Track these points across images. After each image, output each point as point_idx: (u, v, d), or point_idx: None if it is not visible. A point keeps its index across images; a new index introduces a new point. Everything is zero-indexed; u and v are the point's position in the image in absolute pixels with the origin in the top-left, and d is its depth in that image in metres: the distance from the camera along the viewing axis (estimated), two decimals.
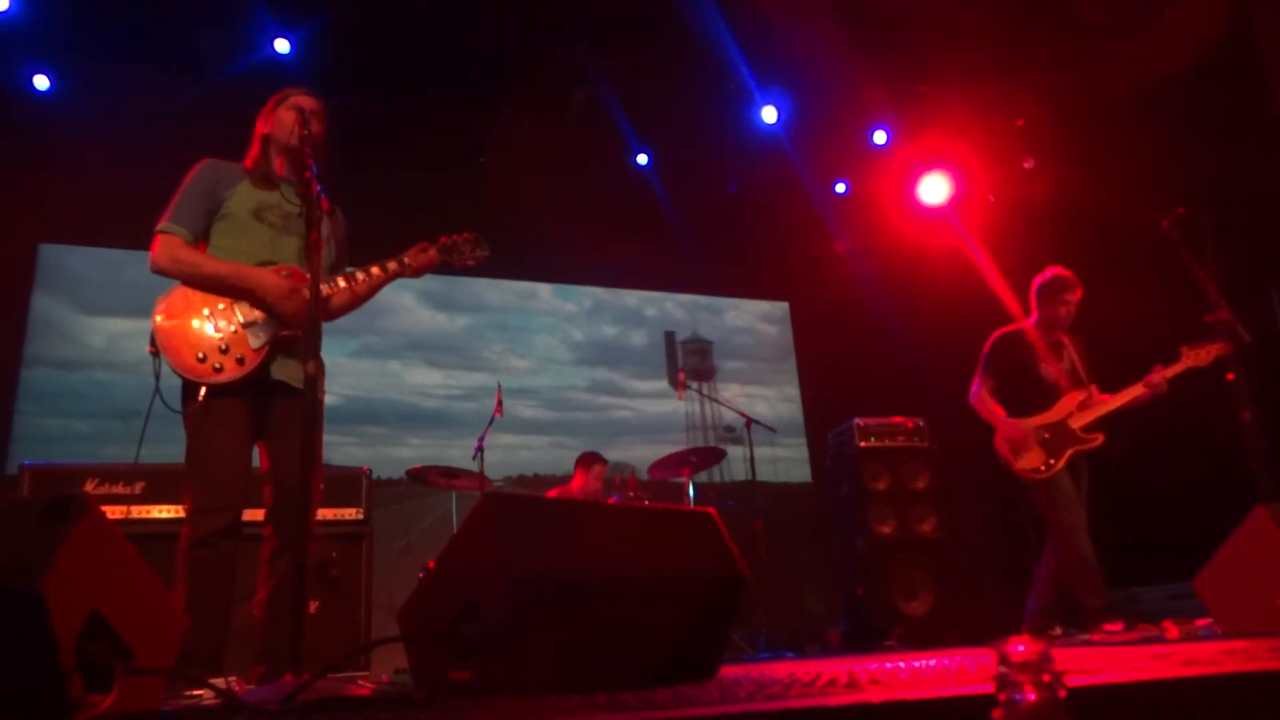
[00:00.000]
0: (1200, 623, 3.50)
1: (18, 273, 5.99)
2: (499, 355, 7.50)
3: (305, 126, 2.60)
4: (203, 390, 2.59)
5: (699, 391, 6.87)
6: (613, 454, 7.33)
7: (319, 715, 1.51)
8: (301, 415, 2.26)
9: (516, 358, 7.56)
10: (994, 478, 4.47)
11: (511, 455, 7.08)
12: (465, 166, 6.83)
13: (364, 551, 4.21)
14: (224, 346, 2.62)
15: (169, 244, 2.69)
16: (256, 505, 2.68)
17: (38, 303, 6.05)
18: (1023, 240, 6.54)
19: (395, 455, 6.69)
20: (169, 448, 2.90)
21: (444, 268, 3.02)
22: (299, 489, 2.23)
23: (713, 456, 5.88)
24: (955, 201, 7.19)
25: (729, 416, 6.99)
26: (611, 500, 5.36)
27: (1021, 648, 0.83)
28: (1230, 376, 3.72)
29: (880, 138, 7.25)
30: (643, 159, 7.28)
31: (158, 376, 2.59)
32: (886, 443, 5.92)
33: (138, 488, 3.93)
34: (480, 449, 5.14)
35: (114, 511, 3.78)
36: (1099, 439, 4.16)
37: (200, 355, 2.58)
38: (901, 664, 2.28)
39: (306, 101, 2.88)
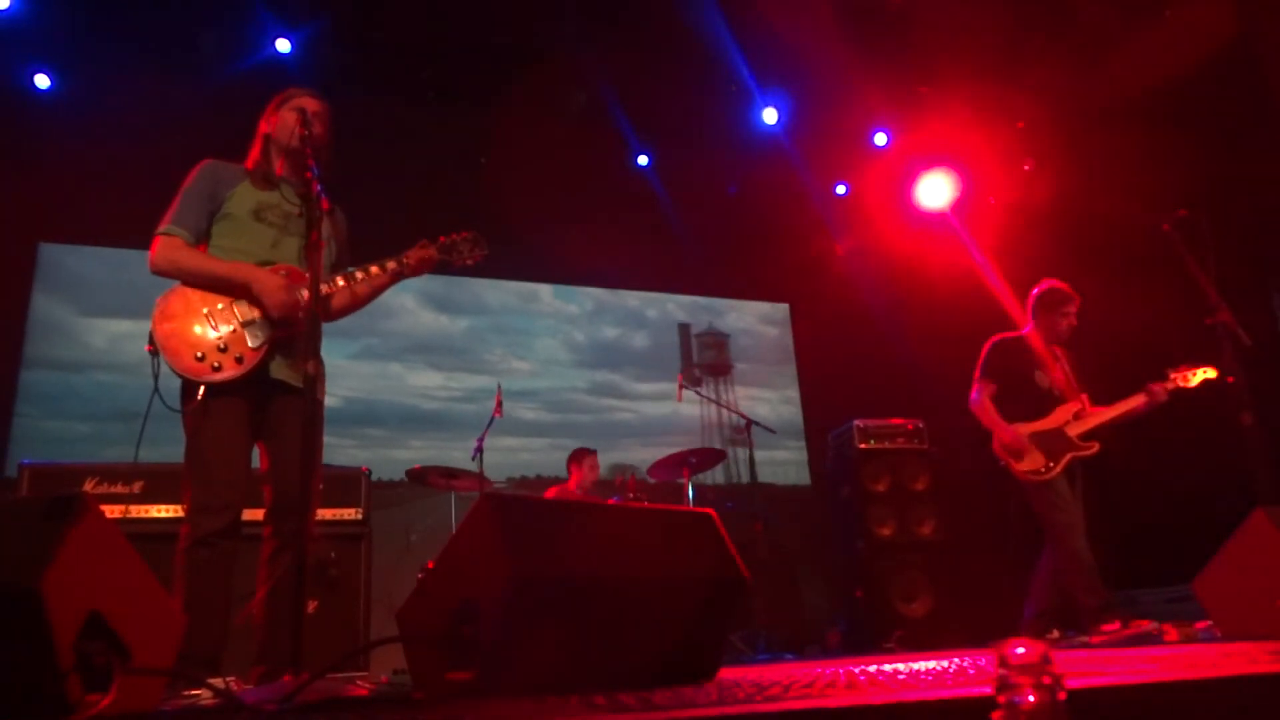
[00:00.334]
0: (1200, 625, 3.50)
1: (18, 273, 5.96)
2: (500, 358, 7.50)
3: (306, 128, 2.60)
4: (201, 389, 2.58)
5: (699, 393, 6.85)
6: (614, 456, 7.33)
7: (318, 715, 1.51)
8: (301, 415, 2.25)
9: (517, 360, 7.55)
10: (994, 479, 4.46)
11: (512, 457, 7.07)
12: (465, 166, 6.83)
13: (363, 552, 4.21)
14: (223, 345, 2.62)
15: (168, 245, 2.69)
16: (256, 505, 2.67)
17: (38, 303, 6.02)
18: (1023, 242, 6.54)
19: (396, 457, 6.68)
20: (169, 448, 2.89)
21: (444, 267, 3.02)
22: (298, 489, 2.22)
23: (713, 458, 5.88)
24: (955, 204, 7.18)
25: (734, 418, 6.98)
26: (611, 501, 5.36)
27: (1021, 650, 0.83)
28: (1230, 379, 3.72)
29: (881, 139, 7.25)
30: (643, 160, 7.28)
31: (157, 376, 2.58)
32: (886, 444, 5.92)
33: (136, 487, 3.93)
34: (480, 450, 5.14)
35: (113, 511, 3.78)
36: (1095, 447, 4.18)
37: (199, 354, 2.58)
38: (901, 666, 2.27)
39: (310, 103, 2.87)
